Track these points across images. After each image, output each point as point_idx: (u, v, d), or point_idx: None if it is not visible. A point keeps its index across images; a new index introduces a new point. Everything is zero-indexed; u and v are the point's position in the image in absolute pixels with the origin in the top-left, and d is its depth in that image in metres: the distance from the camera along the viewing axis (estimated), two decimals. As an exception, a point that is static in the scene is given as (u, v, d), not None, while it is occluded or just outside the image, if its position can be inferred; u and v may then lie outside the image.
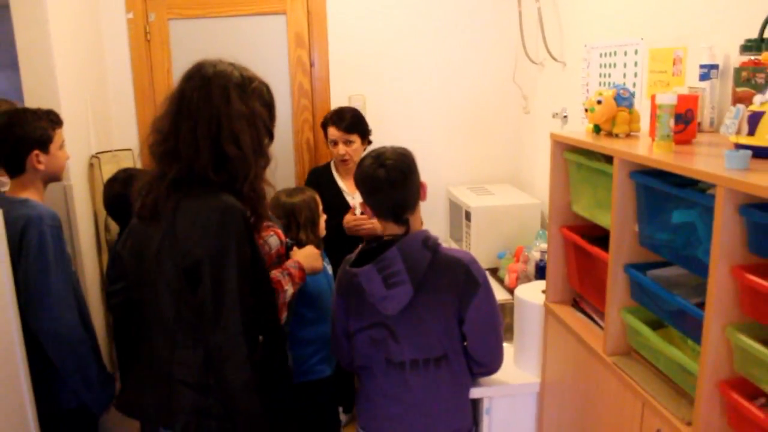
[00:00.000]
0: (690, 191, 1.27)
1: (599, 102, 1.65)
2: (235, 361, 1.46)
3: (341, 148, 2.85)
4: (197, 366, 1.50)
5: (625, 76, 2.33)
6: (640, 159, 1.38)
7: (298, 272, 1.92)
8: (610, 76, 2.44)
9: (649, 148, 1.49)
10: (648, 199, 1.43)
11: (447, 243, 3.45)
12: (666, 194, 1.35)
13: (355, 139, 2.85)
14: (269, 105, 1.60)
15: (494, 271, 2.98)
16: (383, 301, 1.70)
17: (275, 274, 1.87)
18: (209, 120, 1.45)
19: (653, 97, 1.53)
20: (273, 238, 1.97)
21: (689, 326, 1.34)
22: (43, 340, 1.86)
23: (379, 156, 1.80)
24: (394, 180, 1.74)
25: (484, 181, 3.48)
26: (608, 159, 1.56)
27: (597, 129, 1.74)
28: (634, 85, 2.26)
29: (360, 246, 1.85)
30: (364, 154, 2.94)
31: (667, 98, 1.37)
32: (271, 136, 1.61)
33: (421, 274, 1.69)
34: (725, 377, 1.21)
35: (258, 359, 1.51)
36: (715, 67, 1.77)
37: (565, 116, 2.83)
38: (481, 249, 3.01)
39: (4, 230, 1.74)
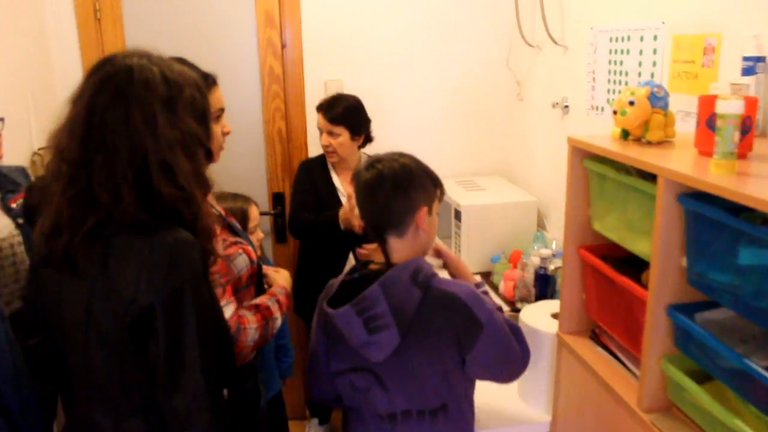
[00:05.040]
0: (764, 228, 1.00)
1: (631, 103, 1.37)
2: (197, 429, 1.17)
3: (324, 138, 2.58)
4: None
5: (641, 65, 2.05)
6: (696, 183, 1.10)
7: (285, 299, 1.68)
8: (621, 63, 2.16)
9: (695, 163, 1.22)
10: (702, 230, 1.16)
11: (433, 241, 3.17)
12: (728, 226, 1.08)
13: (342, 132, 2.55)
14: (204, 114, 1.27)
15: (487, 276, 2.72)
16: (366, 347, 1.42)
17: (263, 300, 1.62)
18: (131, 152, 1.12)
19: (703, 101, 1.26)
20: (242, 257, 1.67)
21: (753, 391, 1.08)
22: None
23: (377, 159, 1.53)
24: (375, 186, 1.48)
25: (473, 173, 3.20)
26: (643, 172, 1.29)
27: (625, 134, 1.46)
28: (652, 75, 1.98)
29: (341, 276, 1.56)
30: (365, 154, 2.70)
31: (734, 106, 1.09)
32: (209, 155, 1.30)
33: (410, 316, 1.40)
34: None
35: (226, 422, 1.23)
36: (761, 59, 1.50)
37: (567, 106, 2.55)
38: (472, 251, 2.75)
39: None
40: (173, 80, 1.20)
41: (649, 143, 1.41)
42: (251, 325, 1.53)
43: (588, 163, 1.50)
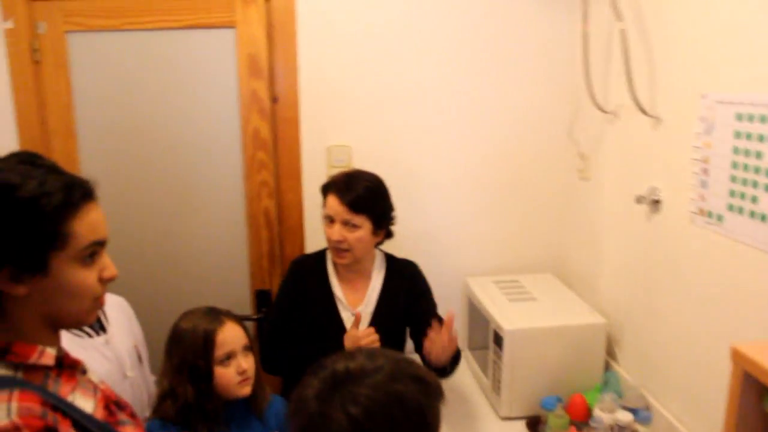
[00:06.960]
0: None
1: None
2: None
3: (337, 231, 1.84)
4: None
5: (799, 163, 1.30)
6: None
7: None
8: (759, 156, 1.41)
9: None
10: None
11: (462, 351, 2.40)
12: None
13: (362, 223, 1.84)
14: None
15: (535, 424, 1.96)
16: None
17: None
18: None
19: None
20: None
21: None
22: None
23: (346, 380, 0.84)
24: None
25: (516, 269, 2.45)
26: None
27: None
28: (824, 183, 1.23)
29: None
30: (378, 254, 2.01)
31: None
32: None
33: None
34: None
35: None
36: None
37: (656, 201, 1.80)
38: (516, 389, 2.00)
39: None
40: None
41: None
42: None
43: (775, 405, 0.75)
